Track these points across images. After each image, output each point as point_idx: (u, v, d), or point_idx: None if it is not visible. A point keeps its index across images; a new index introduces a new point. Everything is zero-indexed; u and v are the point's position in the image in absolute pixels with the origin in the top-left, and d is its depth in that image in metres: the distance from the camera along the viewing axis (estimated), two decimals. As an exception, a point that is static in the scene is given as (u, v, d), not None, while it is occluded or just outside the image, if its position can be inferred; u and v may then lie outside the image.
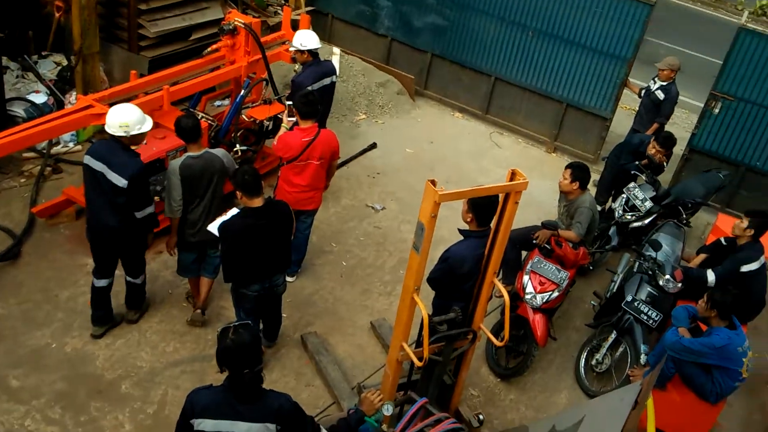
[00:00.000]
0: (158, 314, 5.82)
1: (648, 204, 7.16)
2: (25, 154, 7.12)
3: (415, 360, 4.34)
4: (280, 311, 5.59)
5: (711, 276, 5.99)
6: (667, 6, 15.59)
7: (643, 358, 5.64)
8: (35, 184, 6.83)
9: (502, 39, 9.39)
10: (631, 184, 7.34)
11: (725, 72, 8.24)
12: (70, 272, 6.03)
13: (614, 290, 6.34)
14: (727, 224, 6.79)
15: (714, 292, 5.19)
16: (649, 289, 5.98)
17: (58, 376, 5.15)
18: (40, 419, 4.83)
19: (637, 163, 7.41)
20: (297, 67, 7.10)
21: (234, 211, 4.93)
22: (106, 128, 4.98)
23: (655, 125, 8.30)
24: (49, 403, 4.95)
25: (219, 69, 7.01)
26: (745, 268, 5.90)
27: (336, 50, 9.91)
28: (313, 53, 6.93)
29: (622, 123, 9.49)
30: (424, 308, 4.22)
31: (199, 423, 3.46)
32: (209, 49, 7.05)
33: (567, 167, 6.22)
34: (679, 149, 8.47)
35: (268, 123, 7.00)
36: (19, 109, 7.32)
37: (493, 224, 4.47)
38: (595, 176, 8.16)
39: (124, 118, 4.95)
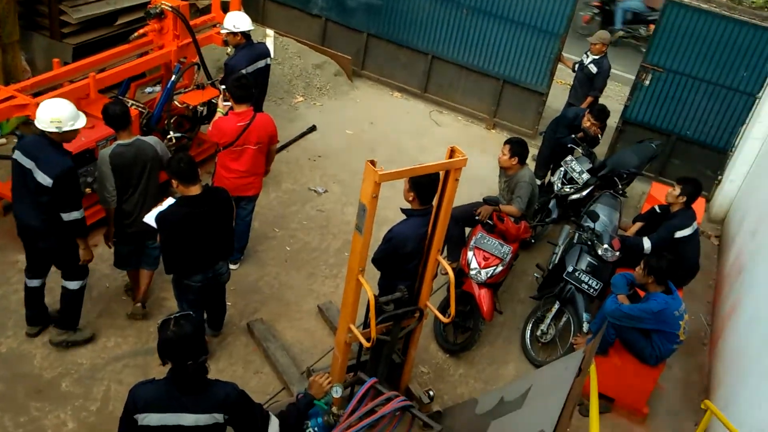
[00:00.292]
0: (97, 309, 5.63)
1: (585, 176, 7.30)
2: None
3: (363, 341, 4.33)
4: (224, 300, 5.49)
5: (647, 243, 6.16)
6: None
7: (585, 327, 5.78)
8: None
9: (437, 17, 9.38)
10: (569, 158, 7.47)
11: (654, 44, 8.45)
12: (0, 270, 5.77)
13: (556, 262, 6.47)
14: (661, 192, 7.00)
15: (650, 258, 5.35)
16: (588, 259, 6.12)
17: (-7, 378, 4.95)
18: (-24, 423, 4.64)
19: (573, 136, 7.55)
20: (229, 50, 6.92)
21: (170, 200, 4.79)
22: (36, 123, 4.69)
23: (589, 99, 8.45)
24: (-14, 405, 4.75)
25: (147, 54, 6.79)
26: (678, 234, 6.09)
27: (269, 32, 9.71)
28: (245, 35, 6.77)
29: (558, 97, 9.63)
30: (369, 289, 4.21)
31: (143, 418, 3.38)
32: (136, 34, 6.83)
33: (506, 143, 6.28)
34: (612, 121, 8.66)
35: (202, 108, 6.81)
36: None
37: (434, 202, 4.48)
38: (533, 151, 8.27)
39: (56, 113, 4.65)
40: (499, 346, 6.17)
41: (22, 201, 4.86)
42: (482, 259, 5.91)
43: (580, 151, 7.45)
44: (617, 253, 6.10)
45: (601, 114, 7.44)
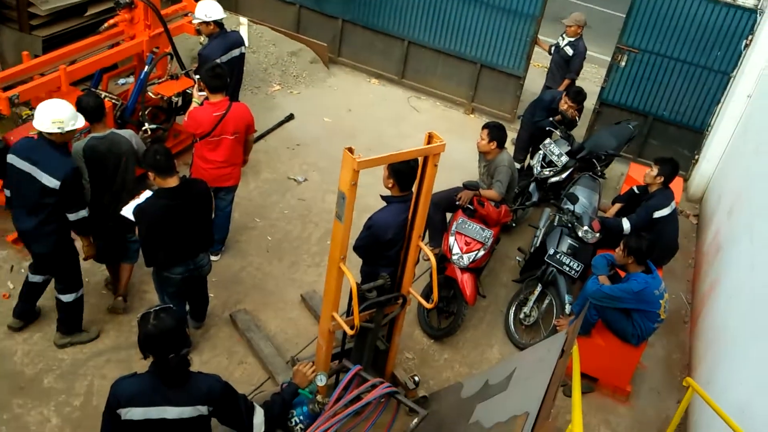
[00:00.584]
0: (77, 305, 5.56)
1: (564, 159, 7.33)
2: None
3: (346, 329, 4.32)
4: (206, 292, 5.45)
5: (626, 224, 6.21)
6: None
7: (567, 308, 5.82)
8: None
9: (412, 2, 9.32)
10: (547, 141, 7.49)
11: (629, 25, 8.47)
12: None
13: (537, 245, 6.49)
14: (639, 173, 7.04)
15: (629, 239, 5.38)
16: (569, 241, 6.15)
17: (-27, 376, 4.88)
18: (-43, 423, 4.57)
19: (551, 119, 7.56)
20: (203, 39, 6.83)
21: (148, 193, 4.74)
22: (36, 126, 4.62)
23: (566, 81, 8.47)
24: (-33, 404, 4.69)
25: (118, 45, 6.68)
26: (657, 214, 6.14)
27: (243, 20, 9.60)
28: (218, 24, 6.68)
29: (535, 81, 9.64)
30: (351, 277, 4.20)
31: (126, 412, 3.35)
32: (106, 24, 6.72)
33: (484, 127, 6.28)
34: (590, 103, 8.69)
35: (176, 99, 6.73)
36: None
37: (414, 188, 4.46)
38: (512, 135, 8.29)
39: (57, 114, 4.60)
40: (482, 330, 6.20)
41: (17, 205, 4.81)
42: (464, 244, 5.91)
43: (559, 133, 7.47)
44: (597, 235, 6.14)
45: (577, 96, 7.45)
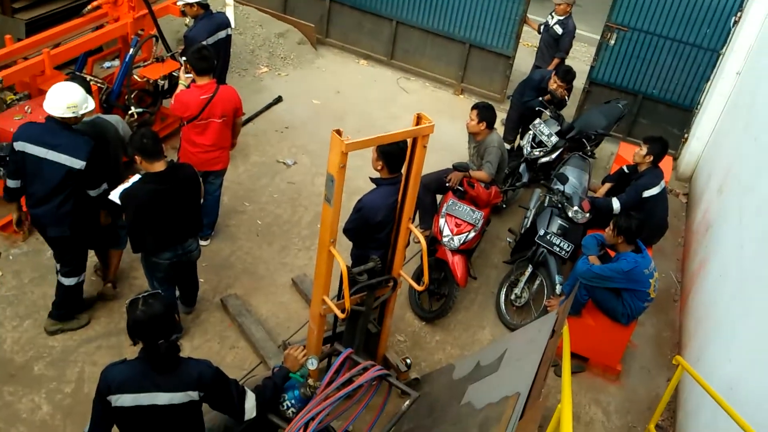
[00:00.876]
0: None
1: (554, 139, 7.31)
2: None
3: (337, 312, 4.31)
4: (196, 277, 5.42)
5: (616, 204, 6.21)
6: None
7: (558, 289, 5.84)
8: None
9: (401, -19, 9.24)
10: (537, 121, 7.46)
11: (618, 3, 8.41)
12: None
13: (527, 225, 6.49)
14: (629, 153, 7.03)
15: (619, 218, 5.38)
16: (559, 221, 6.15)
17: (-38, 365, 4.85)
18: (-54, 412, 4.55)
19: (540, 99, 7.52)
20: (188, 21, 6.74)
21: (135, 177, 4.69)
22: (50, 111, 4.62)
23: (556, 60, 8.43)
24: (-43, 393, 4.67)
25: (103, 28, 6.58)
26: (646, 194, 6.15)
27: (229, 1, 9.42)
28: (203, 5, 6.59)
29: (525, 60, 9.59)
30: (342, 260, 4.18)
31: (116, 399, 3.34)
32: (90, 6, 6.63)
33: (473, 108, 6.24)
34: (579, 83, 8.66)
35: (163, 82, 6.65)
36: None
37: (404, 170, 4.43)
38: (502, 115, 8.26)
39: (71, 98, 4.63)
40: (474, 312, 6.21)
41: (33, 192, 4.78)
42: (454, 225, 5.90)
43: (548, 113, 7.44)
44: (587, 215, 6.14)
45: (567, 75, 7.42)
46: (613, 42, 8.63)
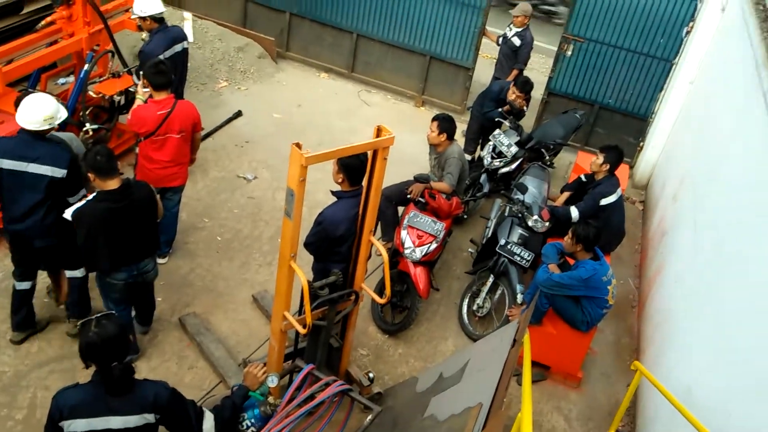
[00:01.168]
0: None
1: (513, 149, 7.39)
2: None
3: (299, 328, 4.27)
4: (153, 297, 5.31)
5: (575, 212, 6.29)
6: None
7: (519, 298, 5.88)
8: None
9: (360, -6, 9.28)
10: (497, 131, 7.54)
11: (574, 14, 8.57)
12: None
13: (488, 236, 6.53)
14: (587, 162, 7.13)
15: (577, 227, 5.45)
16: (520, 230, 6.21)
17: None
18: None
19: (500, 110, 7.61)
20: (144, 35, 6.65)
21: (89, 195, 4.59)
22: (25, 125, 4.63)
23: (515, 71, 8.55)
24: None
25: (57, 43, 6.45)
26: (604, 202, 6.24)
27: (187, 15, 9.38)
28: (157, 19, 6.50)
29: (485, 72, 9.69)
30: (302, 274, 4.15)
31: (69, 425, 3.26)
32: (44, 22, 6.47)
33: (433, 119, 6.28)
34: (538, 93, 8.79)
35: (119, 98, 6.54)
36: None
37: (365, 183, 4.43)
38: (462, 126, 8.32)
39: (47, 110, 4.67)
40: (437, 323, 6.21)
41: (14, 207, 4.74)
42: (416, 237, 5.91)
43: (508, 124, 7.53)
44: (547, 224, 6.21)
45: (525, 86, 7.52)
46: (570, 53, 8.79)
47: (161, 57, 6.26)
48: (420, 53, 9.41)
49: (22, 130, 4.65)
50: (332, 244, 4.71)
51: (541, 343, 5.43)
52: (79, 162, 4.90)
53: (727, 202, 5.48)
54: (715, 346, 4.60)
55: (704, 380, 4.55)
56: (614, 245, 6.53)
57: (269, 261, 6.38)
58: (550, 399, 5.68)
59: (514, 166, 7.45)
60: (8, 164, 4.61)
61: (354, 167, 4.59)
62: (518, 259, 5.99)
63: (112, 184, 4.48)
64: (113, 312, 3.50)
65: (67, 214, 4.54)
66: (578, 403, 5.71)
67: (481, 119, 7.81)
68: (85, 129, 6.25)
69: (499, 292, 6.16)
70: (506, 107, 7.60)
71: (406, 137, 7.22)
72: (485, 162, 7.49)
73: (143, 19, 6.45)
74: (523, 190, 6.40)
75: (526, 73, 8.65)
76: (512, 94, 7.53)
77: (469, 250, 6.86)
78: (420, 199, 6.06)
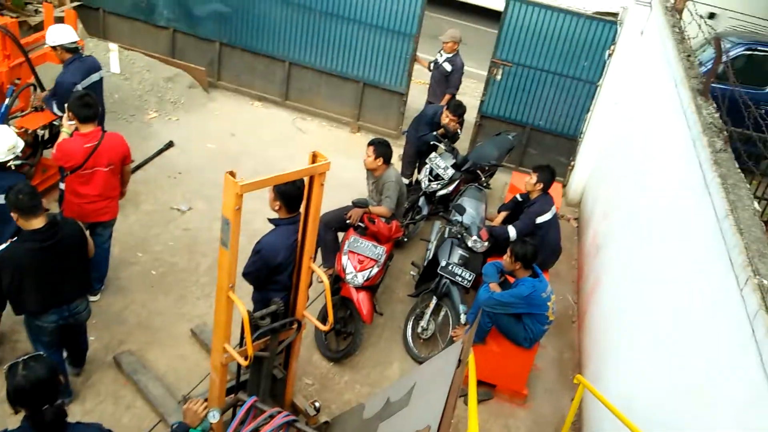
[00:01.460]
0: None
1: (450, 171, 7.48)
2: None
3: (240, 360, 4.15)
4: (85, 337, 5.10)
5: (512, 231, 6.39)
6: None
7: (463, 318, 5.91)
8: None
9: (290, 23, 9.28)
10: (433, 155, 7.63)
11: (501, 40, 8.82)
12: None
13: (430, 257, 6.56)
14: (521, 181, 7.29)
15: (515, 245, 5.54)
16: (460, 251, 6.26)
17: None
18: None
19: (435, 133, 7.72)
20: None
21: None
22: None
23: (447, 96, 8.68)
24: None
25: (-25, 77, 6.21)
26: (539, 220, 6.37)
27: (113, 46, 9.16)
28: (69, 49, 6.30)
29: (418, 97, 9.82)
30: (242, 305, 4.04)
31: (-4, 476, 3.04)
32: (-40, 56, 6.22)
33: (369, 144, 6.30)
34: (471, 117, 8.95)
35: (42, 132, 6.32)
36: None
37: (302, 209, 4.38)
38: (399, 151, 8.39)
39: (10, 141, 4.76)
40: (382, 348, 6.17)
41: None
42: (357, 262, 5.88)
43: (443, 147, 7.63)
44: (486, 244, 6.29)
45: (457, 109, 7.65)
46: (499, 77, 9.01)
47: (78, 87, 6.12)
48: (353, 80, 9.47)
49: None
50: (272, 273, 4.63)
51: (486, 362, 5.45)
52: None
53: (652, 216, 5.68)
54: (650, 356, 4.72)
55: (640, 391, 4.65)
56: (552, 262, 6.66)
57: (207, 293, 6.22)
58: (498, 417, 5.70)
59: (451, 188, 7.54)
60: None
61: (290, 194, 4.53)
62: (460, 279, 6.03)
63: (37, 223, 4.29)
64: (41, 353, 3.31)
65: (-10, 255, 4.32)
66: (525, 419, 5.74)
67: (417, 143, 7.89)
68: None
69: (442, 313, 6.17)
70: (441, 130, 7.71)
71: (342, 163, 7.21)
72: (423, 185, 7.56)
73: (54, 49, 6.27)
74: (461, 211, 6.47)
75: (458, 97, 8.79)
76: (446, 118, 7.65)
77: (411, 272, 6.87)
78: (359, 223, 6.04)
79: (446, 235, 6.55)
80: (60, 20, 6.87)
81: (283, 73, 9.64)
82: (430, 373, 4.45)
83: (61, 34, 6.22)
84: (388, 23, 8.97)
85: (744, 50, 10.20)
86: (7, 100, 6.16)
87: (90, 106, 5.35)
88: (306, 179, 4.25)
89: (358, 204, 6.17)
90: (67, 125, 5.57)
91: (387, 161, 6.26)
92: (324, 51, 9.37)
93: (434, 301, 6.16)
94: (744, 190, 4.37)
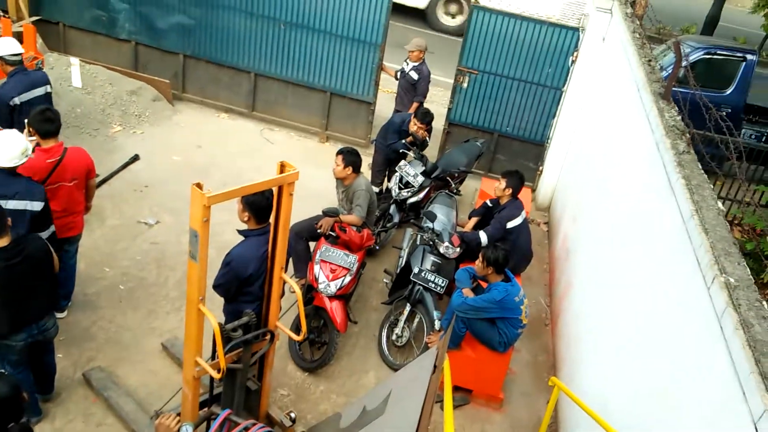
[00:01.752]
0: None
1: (420, 179, 7.50)
2: None
3: (212, 373, 4.09)
4: (53, 357, 4.97)
5: (483, 237, 6.42)
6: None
7: (437, 324, 5.90)
8: None
9: (254, 34, 9.24)
10: (402, 162, 7.65)
11: (466, 48, 8.89)
12: None
13: (402, 265, 6.56)
14: (491, 187, 7.35)
15: (487, 250, 5.56)
16: (432, 258, 6.27)
17: None
18: None
19: (403, 141, 7.74)
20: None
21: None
22: (7, 163, 4.65)
23: (415, 104, 8.72)
24: None
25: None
26: (510, 225, 6.41)
27: (74, 60, 8.99)
28: (10, 62, 6.19)
29: (386, 106, 9.84)
30: (213, 317, 3.99)
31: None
32: None
33: (338, 153, 6.29)
34: (439, 124, 9.00)
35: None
36: None
37: (272, 219, 4.34)
38: (368, 159, 8.38)
39: (22, 144, 4.72)
40: (357, 356, 6.13)
41: None
42: (329, 271, 5.85)
43: (412, 155, 7.66)
44: (458, 249, 6.30)
45: (425, 117, 7.68)
46: (465, 85, 9.08)
47: (16, 101, 6.05)
48: (320, 90, 9.45)
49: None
50: (243, 284, 4.58)
51: (461, 368, 5.46)
52: None
53: (618, 218, 5.76)
54: (620, 356, 4.76)
55: (613, 390, 4.69)
56: (523, 266, 6.70)
57: (178, 307, 6.12)
58: (474, 422, 5.70)
59: (421, 195, 7.56)
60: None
61: (259, 205, 4.50)
62: (433, 285, 6.04)
63: (2, 242, 4.19)
64: (3, 371, 3.22)
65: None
66: (502, 423, 5.75)
67: (386, 151, 7.90)
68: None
69: (416, 320, 6.17)
70: (409, 138, 7.74)
71: (311, 173, 7.18)
72: (393, 193, 7.57)
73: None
74: (432, 217, 6.49)
75: (426, 105, 8.84)
76: (414, 126, 7.67)
77: (384, 280, 6.86)
78: (331, 233, 6.02)
79: (418, 242, 6.55)
80: (18, 35, 6.74)
81: (249, 84, 9.58)
82: (405, 380, 4.43)
83: (3, 46, 6.13)
84: (353, 33, 8.99)
85: (703, 54, 10.47)
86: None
87: (51, 121, 5.27)
88: (275, 189, 4.23)
89: (328, 213, 6.14)
90: (29, 140, 5.45)
91: (356, 170, 6.25)
92: (289, 62, 9.34)
93: (408, 308, 6.15)
94: (708, 191, 4.45)
